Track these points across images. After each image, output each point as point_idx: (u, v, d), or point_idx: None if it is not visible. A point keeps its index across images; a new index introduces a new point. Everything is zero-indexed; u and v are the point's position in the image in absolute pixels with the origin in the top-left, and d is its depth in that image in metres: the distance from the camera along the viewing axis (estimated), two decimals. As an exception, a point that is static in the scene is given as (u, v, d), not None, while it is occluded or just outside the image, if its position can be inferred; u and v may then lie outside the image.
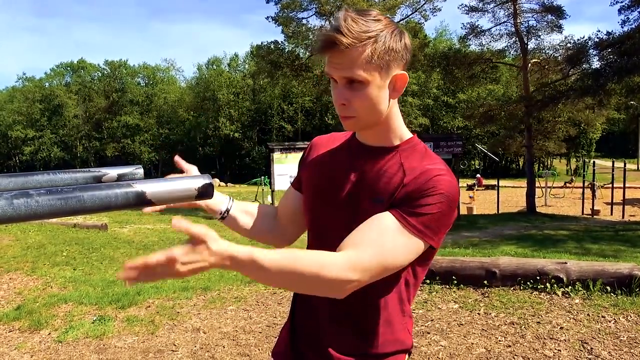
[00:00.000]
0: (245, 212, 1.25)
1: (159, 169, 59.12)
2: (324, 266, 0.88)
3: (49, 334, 3.80)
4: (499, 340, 3.40)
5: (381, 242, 0.93)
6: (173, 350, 3.44)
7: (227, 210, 1.21)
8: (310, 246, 1.19)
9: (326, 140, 1.23)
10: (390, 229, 0.95)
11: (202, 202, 1.14)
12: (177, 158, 1.21)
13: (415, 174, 1.00)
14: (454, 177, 1.01)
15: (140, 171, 1.13)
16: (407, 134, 1.09)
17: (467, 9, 19.70)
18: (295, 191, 1.25)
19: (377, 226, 0.95)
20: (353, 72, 0.96)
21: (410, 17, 21.37)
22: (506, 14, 19.37)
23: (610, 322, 3.59)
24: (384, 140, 1.08)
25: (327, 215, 1.11)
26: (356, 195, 1.06)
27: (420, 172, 0.99)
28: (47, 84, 62.14)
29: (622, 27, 16.92)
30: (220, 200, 1.21)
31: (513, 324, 3.64)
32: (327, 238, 1.10)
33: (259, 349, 3.42)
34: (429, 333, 3.56)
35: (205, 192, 0.88)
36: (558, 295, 4.10)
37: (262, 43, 22.06)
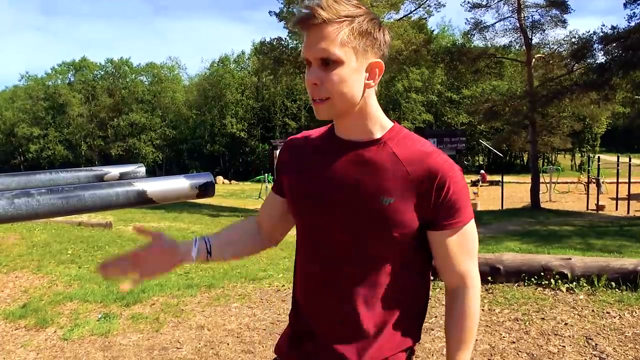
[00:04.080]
0: (227, 243, 1.21)
1: (163, 168, 59.20)
2: (477, 308, 1.14)
3: (55, 331, 3.83)
4: (503, 337, 3.40)
5: (466, 256, 1.09)
6: (177, 348, 3.46)
7: (209, 253, 1.16)
8: (303, 249, 1.16)
9: (302, 141, 1.18)
10: (459, 242, 1.07)
11: (192, 258, 1.12)
12: (137, 229, 1.07)
13: (415, 162, 1.02)
14: (444, 153, 1.06)
15: (142, 169, 1.14)
16: (388, 123, 1.08)
17: (470, 5, 19.60)
18: (277, 196, 1.21)
19: (454, 249, 1.08)
20: (329, 51, 0.95)
21: (414, 12, 21.32)
22: (510, 9, 19.26)
23: (615, 317, 3.58)
24: (366, 131, 1.06)
25: (324, 220, 1.07)
26: (358, 196, 1.03)
27: (420, 160, 1.02)
28: (49, 82, 62.18)
29: (629, 22, 16.79)
30: (188, 248, 1.13)
31: (517, 320, 3.64)
32: (325, 240, 1.08)
33: (263, 346, 3.44)
34: (432, 330, 3.56)
35: (206, 190, 0.88)
36: (562, 291, 4.09)
37: (264, 40, 22.02)
